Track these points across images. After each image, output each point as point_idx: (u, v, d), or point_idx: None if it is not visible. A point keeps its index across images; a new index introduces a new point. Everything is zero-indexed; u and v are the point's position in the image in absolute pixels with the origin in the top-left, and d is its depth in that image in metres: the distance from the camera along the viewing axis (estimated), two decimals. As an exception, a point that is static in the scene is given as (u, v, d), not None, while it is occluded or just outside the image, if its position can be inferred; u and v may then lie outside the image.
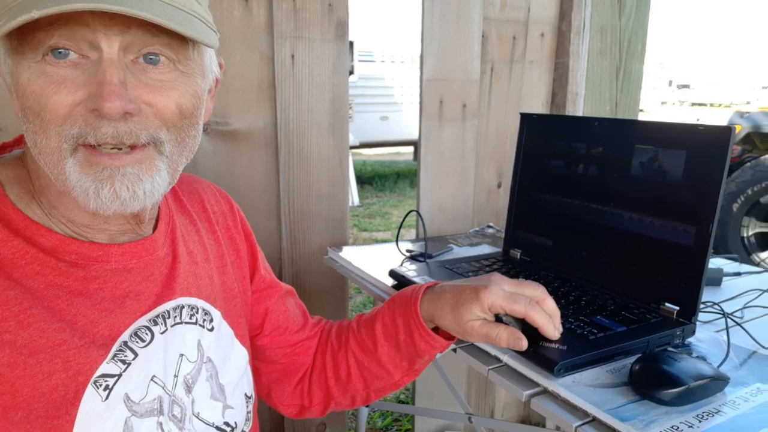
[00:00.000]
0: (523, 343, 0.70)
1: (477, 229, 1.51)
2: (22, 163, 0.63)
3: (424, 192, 1.53)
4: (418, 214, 1.13)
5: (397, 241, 1.21)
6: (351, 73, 5.95)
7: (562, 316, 0.81)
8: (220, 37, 0.62)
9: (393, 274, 1.05)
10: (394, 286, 1.03)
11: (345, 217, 1.42)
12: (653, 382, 0.68)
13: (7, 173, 0.62)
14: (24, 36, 0.53)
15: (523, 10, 1.60)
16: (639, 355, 0.76)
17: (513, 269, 1.09)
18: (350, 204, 5.23)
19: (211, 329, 0.70)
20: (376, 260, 1.19)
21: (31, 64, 0.53)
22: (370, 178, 6.30)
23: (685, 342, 0.85)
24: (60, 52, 0.53)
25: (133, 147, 0.55)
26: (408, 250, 1.22)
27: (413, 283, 0.99)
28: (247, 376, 0.76)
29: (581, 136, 1.04)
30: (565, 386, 0.71)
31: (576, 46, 1.68)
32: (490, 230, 1.50)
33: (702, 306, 0.90)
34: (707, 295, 1.02)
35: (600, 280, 0.99)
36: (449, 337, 0.77)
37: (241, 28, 1.22)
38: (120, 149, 0.55)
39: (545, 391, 0.73)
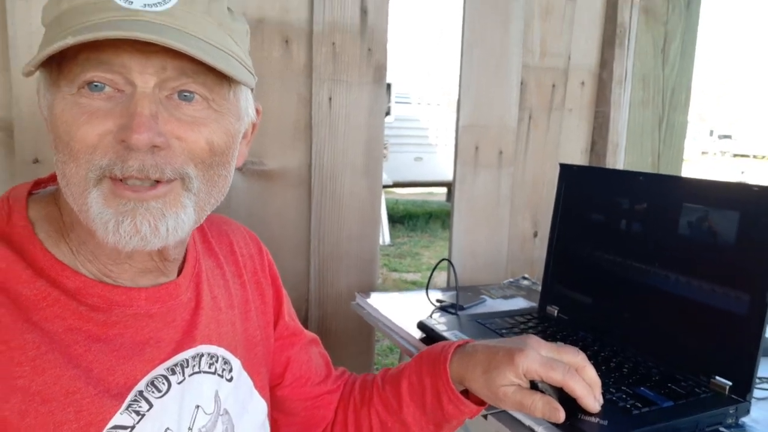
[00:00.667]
0: (560, 415, 0.64)
1: (511, 280, 1.46)
2: (54, 200, 0.62)
3: (456, 237, 1.49)
4: (450, 263, 1.09)
5: (427, 290, 1.17)
6: (387, 113, 6.02)
7: (603, 384, 0.75)
8: (259, 80, 0.61)
9: (422, 326, 1.01)
10: (423, 339, 0.99)
11: (375, 258, 1.39)
12: (706, 470, 0.62)
13: (39, 211, 0.61)
14: (62, 69, 0.53)
15: (563, 57, 1.58)
16: (688, 435, 0.70)
17: (549, 328, 1.03)
18: (381, 243, 5.20)
19: (230, 379, 0.67)
20: (404, 309, 1.15)
21: (66, 96, 0.53)
22: (402, 218, 6.29)
23: (739, 422, 0.78)
24: (96, 86, 0.53)
25: (158, 182, 0.54)
26: (438, 300, 1.18)
27: (443, 337, 0.95)
28: (265, 429, 0.73)
29: (625, 191, 1.00)
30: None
31: (617, 96, 1.64)
32: (525, 282, 1.44)
33: (758, 381, 0.83)
34: (764, 369, 0.94)
35: (643, 345, 0.93)
36: (480, 402, 0.72)
37: (280, 70, 1.23)
38: (144, 182, 0.54)
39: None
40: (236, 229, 0.80)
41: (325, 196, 1.31)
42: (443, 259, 1.13)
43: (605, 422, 0.70)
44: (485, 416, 0.78)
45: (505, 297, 1.29)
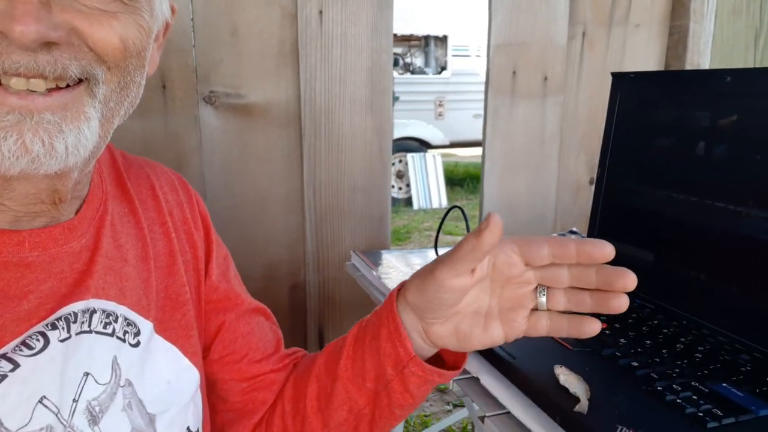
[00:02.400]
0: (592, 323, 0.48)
1: (554, 235, 1.18)
2: None
3: (488, 187, 1.23)
4: (462, 211, 0.85)
5: (435, 246, 0.93)
6: (444, 69, 5.66)
7: (663, 375, 0.50)
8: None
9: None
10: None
11: (385, 216, 1.15)
12: None
13: None
14: None
15: (628, -42, 1.25)
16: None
17: (593, 294, 0.76)
18: (438, 205, 4.94)
19: (136, 344, 0.55)
20: (409, 270, 0.91)
21: None
22: (461, 180, 5.97)
23: None
24: None
25: (53, 90, 0.44)
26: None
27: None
28: (196, 405, 0.60)
29: (704, 101, 0.70)
30: None
31: (699, 4, 1.29)
32: (573, 237, 1.16)
33: None
34: None
35: (727, 319, 0.65)
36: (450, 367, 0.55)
37: (254, -23, 1.00)
38: (37, 86, 0.43)
39: None
40: (162, 172, 0.67)
41: (318, 138, 1.08)
42: (453, 206, 0.88)
43: (660, 442, 0.44)
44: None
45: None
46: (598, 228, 0.85)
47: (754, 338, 0.61)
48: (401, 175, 5.07)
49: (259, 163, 1.07)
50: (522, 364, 0.57)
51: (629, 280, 0.46)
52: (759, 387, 0.52)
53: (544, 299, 0.48)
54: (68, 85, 0.45)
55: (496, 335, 0.49)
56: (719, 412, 0.48)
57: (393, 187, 5.16)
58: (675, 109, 0.74)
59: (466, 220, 0.86)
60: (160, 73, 0.98)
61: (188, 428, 0.59)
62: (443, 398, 2.17)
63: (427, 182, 4.97)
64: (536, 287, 0.48)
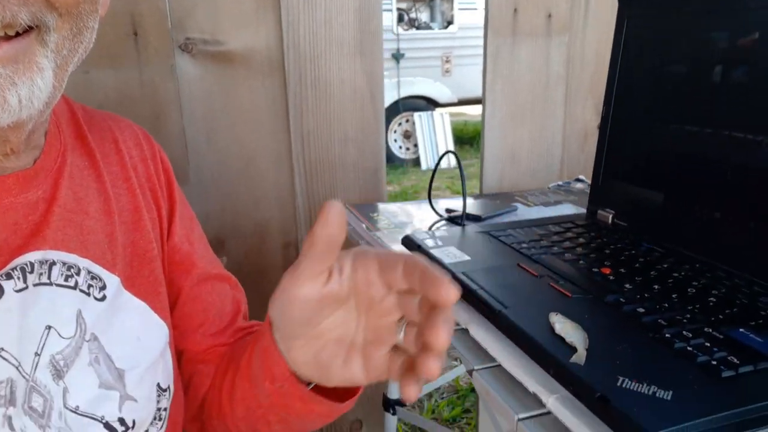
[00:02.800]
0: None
1: (560, 183, 1.11)
2: None
3: (489, 134, 1.15)
4: (455, 155, 0.78)
5: (429, 196, 0.86)
6: (450, 23, 5.47)
7: (672, 321, 0.44)
8: None
9: (406, 242, 0.71)
10: (410, 261, 0.69)
11: (380, 168, 1.09)
12: None
13: None
14: None
15: None
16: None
17: (599, 240, 0.70)
18: (446, 165, 4.85)
19: (102, 298, 0.54)
20: (401, 223, 0.85)
21: None
22: (471, 139, 5.84)
23: None
24: None
25: (3, 38, 0.41)
26: (448, 210, 0.87)
27: (431, 256, 0.65)
28: (166, 362, 0.58)
29: (721, 18, 0.62)
30: (663, 481, 0.35)
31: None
32: (579, 184, 1.09)
33: None
34: None
35: (745, 260, 0.58)
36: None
37: None
38: None
39: (620, 484, 0.37)
40: (126, 126, 0.64)
41: (304, 86, 1.01)
42: (447, 152, 0.81)
43: (667, 394, 0.39)
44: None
45: (547, 204, 0.96)
46: (603, 171, 0.78)
47: (776, 280, 0.55)
48: (408, 135, 4.98)
49: (243, 115, 1.00)
50: (514, 313, 0.51)
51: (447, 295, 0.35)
52: (781, 332, 0.47)
53: (402, 335, 0.39)
54: (18, 33, 0.42)
55: (355, 372, 0.42)
56: (735, 360, 0.42)
57: (400, 147, 5.07)
58: (688, 31, 0.66)
59: (459, 166, 0.79)
60: (130, 20, 0.91)
61: (158, 385, 0.57)
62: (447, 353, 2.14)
63: (435, 142, 4.87)
64: (400, 319, 0.40)
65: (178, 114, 0.97)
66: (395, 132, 4.99)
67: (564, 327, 0.47)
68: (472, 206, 0.92)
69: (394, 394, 1.01)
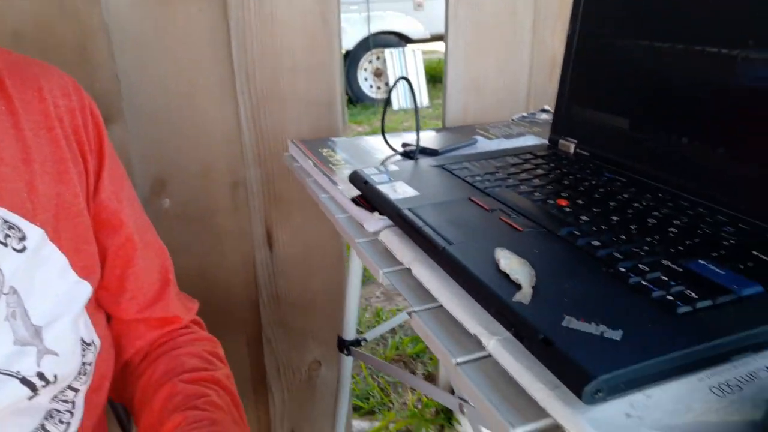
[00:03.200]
0: None
1: (524, 114, 1.06)
2: None
3: (452, 64, 1.08)
4: (408, 82, 0.71)
5: (383, 129, 0.80)
6: (422, -48, 5.22)
7: (628, 255, 0.41)
8: None
9: (354, 179, 0.66)
10: (356, 200, 0.64)
11: (334, 101, 1.02)
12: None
13: None
14: None
15: None
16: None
17: (560, 170, 0.66)
18: (419, 105, 4.74)
19: (21, 250, 0.51)
20: (353, 159, 0.80)
21: None
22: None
23: None
24: None
25: None
26: (404, 144, 0.82)
27: (379, 193, 0.60)
28: (88, 317, 0.56)
29: None
30: (608, 429, 0.31)
31: None
32: (545, 116, 1.04)
33: None
34: None
35: (709, 188, 0.54)
36: None
37: None
38: None
39: (560, 433, 0.34)
40: (54, 75, 0.59)
41: (246, 8, 0.92)
42: (401, 78, 0.75)
43: (616, 333, 0.35)
44: None
45: (509, 136, 0.91)
46: (567, 97, 0.73)
47: (740, 207, 0.51)
48: (379, 74, 4.83)
49: (180, 42, 0.91)
50: (458, 249, 0.47)
51: None
52: (743, 262, 0.43)
53: None
54: None
55: None
56: (693, 295, 0.39)
57: (371, 86, 4.92)
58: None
59: (413, 96, 0.73)
60: (40, -68, 0.81)
61: (82, 339, 0.55)
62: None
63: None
64: None
65: (106, 42, 0.88)
66: (365, 70, 4.83)
67: (509, 263, 0.42)
68: (431, 140, 0.87)
69: (349, 335, 0.99)
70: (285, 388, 1.22)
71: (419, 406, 1.51)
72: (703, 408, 0.33)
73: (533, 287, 0.40)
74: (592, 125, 0.69)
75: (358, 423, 1.46)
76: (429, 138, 0.89)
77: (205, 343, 0.66)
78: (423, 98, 4.72)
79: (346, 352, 0.98)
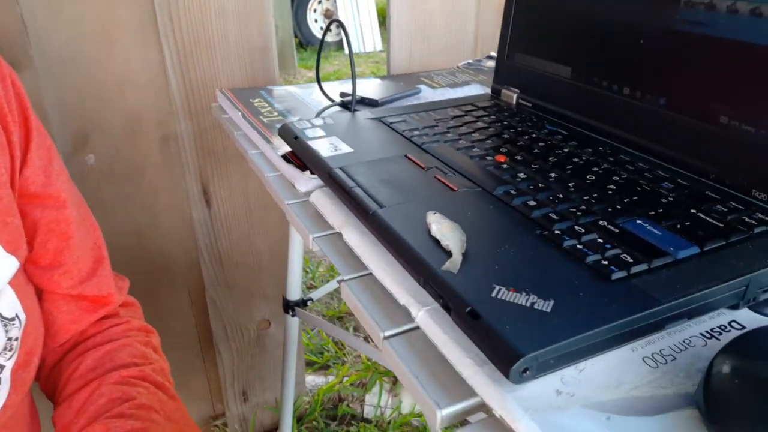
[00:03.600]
0: None
1: (470, 62, 1.02)
2: None
3: (396, 7, 1.02)
4: (341, 24, 0.65)
5: (318, 77, 0.75)
6: None
7: (564, 215, 0.39)
8: None
9: (283, 133, 0.61)
10: (287, 157, 0.60)
11: (268, 45, 0.95)
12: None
13: None
14: None
15: None
16: (728, 323, 0.33)
17: (500, 123, 0.62)
18: (372, 48, 4.61)
19: None
20: (291, 110, 0.74)
21: None
22: (399, 20, 5.53)
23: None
24: None
25: None
26: (343, 94, 0.77)
27: (310, 150, 0.56)
28: (12, 292, 0.52)
29: None
30: (537, 408, 0.29)
31: None
32: (491, 63, 1.00)
33: None
34: None
35: (649, 142, 0.53)
36: None
37: None
38: None
39: (487, 414, 0.32)
40: None
41: (166, -59, 0.83)
42: (333, 21, 0.69)
43: (547, 305, 0.33)
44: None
45: (454, 85, 0.87)
46: (509, 43, 0.69)
47: (680, 162, 0.50)
48: (330, 15, 4.64)
49: (92, -18, 0.82)
50: (390, 213, 0.43)
51: None
52: (681, 221, 0.41)
53: None
54: None
55: None
56: (628, 258, 0.37)
57: (322, 29, 4.73)
58: None
59: (346, 36, 0.68)
60: None
61: (2, 315, 0.51)
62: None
63: (359, 23, 4.57)
64: None
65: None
66: (315, 11, 4.63)
67: (440, 228, 0.40)
68: (373, 89, 0.82)
69: (293, 295, 0.96)
70: (234, 349, 1.19)
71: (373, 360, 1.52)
72: (636, 381, 0.32)
73: (463, 254, 0.38)
74: (534, 74, 0.66)
75: (312, 378, 1.45)
76: (371, 87, 0.84)
77: (139, 334, 0.63)
78: (376, 42, 4.58)
79: (291, 312, 0.96)
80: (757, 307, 0.37)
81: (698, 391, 0.29)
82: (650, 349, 0.34)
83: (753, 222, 0.41)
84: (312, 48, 4.65)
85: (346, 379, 1.46)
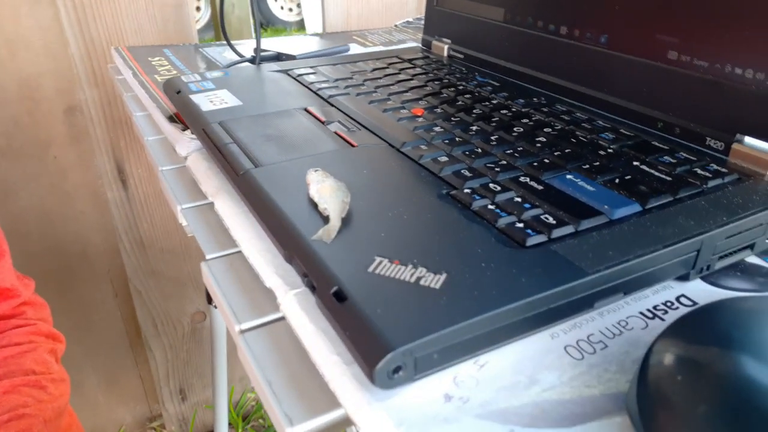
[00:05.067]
0: None
1: (410, 20, 0.93)
2: None
3: (328, -39, 0.93)
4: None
5: (223, 28, 0.65)
6: None
7: (479, 171, 0.31)
8: None
9: (168, 88, 0.51)
10: (173, 117, 0.50)
11: (185, 1, 0.84)
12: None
13: None
14: None
15: None
16: (675, 300, 0.25)
17: (426, 75, 0.54)
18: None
19: None
20: (193, 69, 0.64)
21: None
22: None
23: (794, 239, 0.33)
24: None
25: None
26: (257, 50, 0.67)
27: (191, 105, 0.46)
28: None
29: None
30: (414, 423, 0.21)
31: None
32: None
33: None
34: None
35: (593, 90, 0.45)
36: None
37: None
38: None
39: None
40: None
41: None
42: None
43: (437, 280, 0.24)
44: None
45: (389, 43, 0.78)
46: (443, -12, 0.60)
47: (625, 110, 0.42)
48: (289, -6, 4.48)
49: None
50: (266, 173, 0.35)
51: None
52: (622, 175, 0.34)
53: None
54: None
55: None
56: (550, 219, 0.29)
57: (282, 8, 4.57)
58: None
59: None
60: None
61: None
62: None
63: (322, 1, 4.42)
64: None
65: None
66: (274, -10, 4.47)
67: (320, 188, 0.31)
68: (295, 46, 0.72)
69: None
70: (167, 344, 1.09)
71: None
72: (553, 378, 0.24)
73: (344, 219, 0.29)
74: (466, 20, 0.57)
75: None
76: (293, 44, 0.75)
77: (41, 339, 0.54)
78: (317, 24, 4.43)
79: (214, 304, 0.86)
80: (712, 278, 0.30)
81: (630, 392, 0.21)
82: (575, 335, 0.26)
83: (707, 174, 0.33)
84: (273, 28, 4.49)
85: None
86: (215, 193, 0.38)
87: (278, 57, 0.66)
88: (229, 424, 1.18)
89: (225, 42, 0.76)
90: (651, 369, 0.21)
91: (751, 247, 0.31)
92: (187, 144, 0.46)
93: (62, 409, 0.52)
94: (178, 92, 0.49)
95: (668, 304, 0.28)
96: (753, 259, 0.31)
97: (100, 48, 0.81)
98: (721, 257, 0.29)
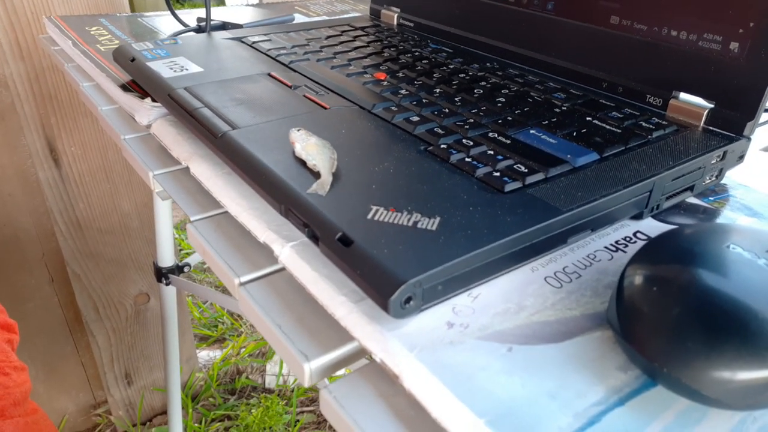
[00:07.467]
0: None
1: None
2: None
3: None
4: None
5: (170, 6, 0.63)
6: None
7: (450, 129, 0.33)
8: None
9: (120, 56, 0.50)
10: (127, 86, 0.49)
11: (115, -30, 0.81)
12: (695, 335, 0.21)
13: None
14: None
15: None
16: (632, 231, 0.29)
17: (380, 42, 0.55)
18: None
19: None
20: (136, 38, 0.62)
21: None
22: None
23: (721, 181, 0.38)
24: None
25: None
26: (200, 19, 0.66)
27: (151, 73, 0.45)
28: None
29: None
30: (425, 346, 0.24)
31: None
32: None
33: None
34: None
35: (542, 54, 0.48)
36: None
37: None
38: None
39: (370, 360, 0.26)
40: None
41: None
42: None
43: (432, 222, 0.27)
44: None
45: (332, 14, 0.79)
46: (389, -42, 0.62)
47: (572, 72, 0.46)
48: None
49: None
50: (245, 134, 0.35)
51: None
52: (578, 129, 0.37)
53: None
54: None
55: None
56: (522, 168, 0.32)
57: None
58: None
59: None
60: None
61: None
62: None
63: None
64: None
65: None
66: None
67: (306, 147, 0.32)
68: (238, 15, 0.71)
69: (165, 262, 0.85)
70: (109, 328, 1.06)
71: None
72: (538, 304, 0.27)
73: (333, 173, 0.31)
74: (417, -10, 0.59)
75: (206, 354, 1.35)
76: (236, 13, 0.74)
77: (1, 332, 0.52)
78: None
79: (165, 281, 0.85)
80: (661, 216, 0.34)
81: (610, 307, 0.25)
82: (552, 268, 0.29)
83: (651, 126, 0.37)
84: (190, 3, 4.29)
85: (243, 350, 1.37)
86: (188, 158, 0.39)
87: (224, 26, 0.65)
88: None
89: (162, 12, 0.74)
90: (626, 287, 0.24)
91: (691, 188, 0.35)
92: (147, 112, 0.45)
93: (27, 393, 0.51)
94: (133, 60, 0.48)
95: (627, 239, 0.32)
96: (692, 200, 0.36)
97: (24, 19, 0.77)
98: (668, 197, 0.34)
